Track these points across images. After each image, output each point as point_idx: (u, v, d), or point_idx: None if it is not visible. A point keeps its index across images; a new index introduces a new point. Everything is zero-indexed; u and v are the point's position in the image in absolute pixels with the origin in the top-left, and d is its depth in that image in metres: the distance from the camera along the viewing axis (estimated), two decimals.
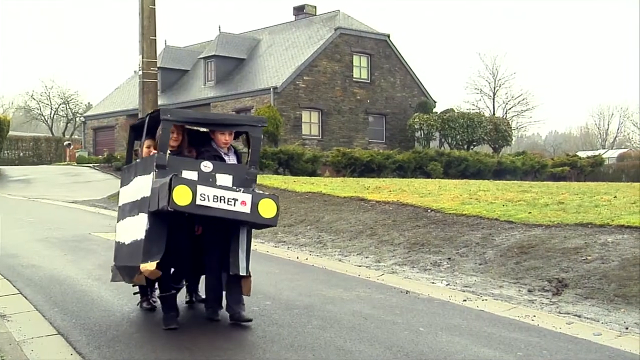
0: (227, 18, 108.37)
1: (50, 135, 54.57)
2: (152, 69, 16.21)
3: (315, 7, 40.76)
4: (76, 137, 54.21)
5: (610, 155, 50.02)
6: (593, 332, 6.08)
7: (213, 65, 37.49)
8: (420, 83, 39.27)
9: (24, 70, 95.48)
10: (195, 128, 6.36)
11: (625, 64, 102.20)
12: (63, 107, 59.51)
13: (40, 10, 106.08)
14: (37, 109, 59.99)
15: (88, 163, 34.44)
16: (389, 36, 37.74)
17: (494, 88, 56.25)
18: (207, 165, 5.90)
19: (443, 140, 38.17)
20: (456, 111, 39.73)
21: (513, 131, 46.41)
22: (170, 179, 5.43)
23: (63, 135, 57.25)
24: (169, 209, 5.42)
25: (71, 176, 27.94)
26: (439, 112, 38.23)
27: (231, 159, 6.22)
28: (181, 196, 5.39)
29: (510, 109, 56.80)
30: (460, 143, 37.50)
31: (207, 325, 6.12)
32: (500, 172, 32.89)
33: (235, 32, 41.17)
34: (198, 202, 5.44)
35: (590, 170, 36.97)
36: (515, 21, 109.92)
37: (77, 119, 57.23)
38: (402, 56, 38.30)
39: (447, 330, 6.09)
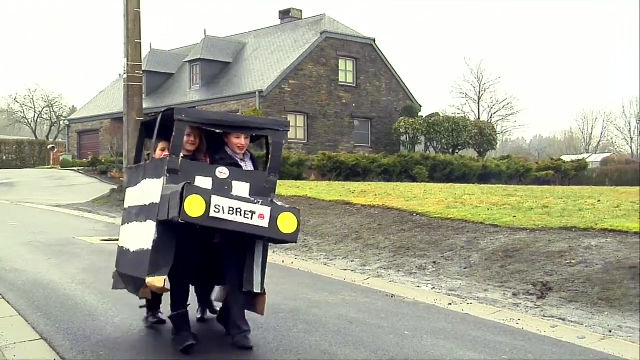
0: (212, 22, 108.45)
1: (34, 138, 54.24)
2: (137, 72, 16.15)
3: (301, 11, 40.84)
4: (60, 140, 53.92)
5: (594, 159, 50.41)
6: (577, 336, 6.11)
7: (198, 69, 37.44)
8: (406, 87, 39.41)
9: (8, 74, 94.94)
10: (211, 131, 5.62)
11: (609, 68, 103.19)
12: (47, 110, 59.21)
13: (40, 10, 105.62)
14: (21, 112, 59.67)
15: (72, 167, 34.29)
16: (374, 40, 37.85)
17: (479, 92, 56.72)
18: (222, 172, 5.38)
19: (428, 144, 38.31)
20: (441, 115, 39.91)
21: (498, 135, 46.69)
22: (183, 188, 4.97)
23: (47, 138, 56.87)
24: (180, 220, 4.92)
25: (55, 180, 27.78)
26: (424, 116, 38.39)
27: (248, 166, 5.66)
28: (193, 207, 4.88)
29: (495, 113, 57.30)
30: (445, 147, 37.65)
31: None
32: (485, 176, 33.04)
33: (220, 36, 41.16)
34: (212, 214, 4.93)
35: (574, 175, 37.23)
36: (501, 26, 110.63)
37: (61, 122, 56.92)
38: (387, 60, 38.42)
39: (432, 333, 6.09)
